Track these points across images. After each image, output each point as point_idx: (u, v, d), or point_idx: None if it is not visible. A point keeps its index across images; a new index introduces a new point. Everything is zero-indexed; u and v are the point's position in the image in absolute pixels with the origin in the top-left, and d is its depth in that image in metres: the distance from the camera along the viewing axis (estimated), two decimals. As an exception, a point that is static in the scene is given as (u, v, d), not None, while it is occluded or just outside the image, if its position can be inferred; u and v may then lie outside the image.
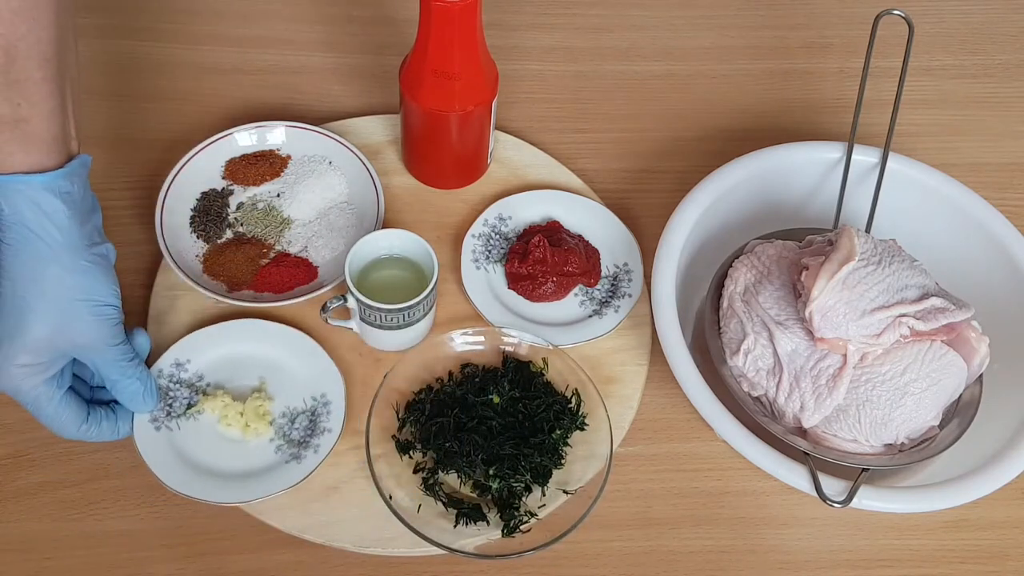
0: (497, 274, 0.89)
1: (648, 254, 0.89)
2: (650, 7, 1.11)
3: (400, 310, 0.80)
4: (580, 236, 0.91)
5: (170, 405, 0.81)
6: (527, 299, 0.88)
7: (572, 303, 0.88)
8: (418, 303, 0.80)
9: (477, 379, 0.84)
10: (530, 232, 0.90)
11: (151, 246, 0.89)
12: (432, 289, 0.81)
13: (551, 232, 0.90)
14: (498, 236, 0.91)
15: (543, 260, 0.87)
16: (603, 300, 0.88)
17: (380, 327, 0.82)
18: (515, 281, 0.88)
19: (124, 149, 0.96)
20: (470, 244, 0.90)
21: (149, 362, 0.83)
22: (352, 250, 0.82)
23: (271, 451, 0.80)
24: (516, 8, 1.10)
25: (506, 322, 0.86)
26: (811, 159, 0.90)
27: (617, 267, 0.90)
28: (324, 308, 0.82)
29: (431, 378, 0.84)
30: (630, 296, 0.88)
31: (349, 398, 0.82)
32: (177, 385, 0.82)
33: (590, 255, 0.90)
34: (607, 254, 0.91)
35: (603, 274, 0.90)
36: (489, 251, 0.90)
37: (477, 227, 0.90)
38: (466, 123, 0.88)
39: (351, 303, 0.82)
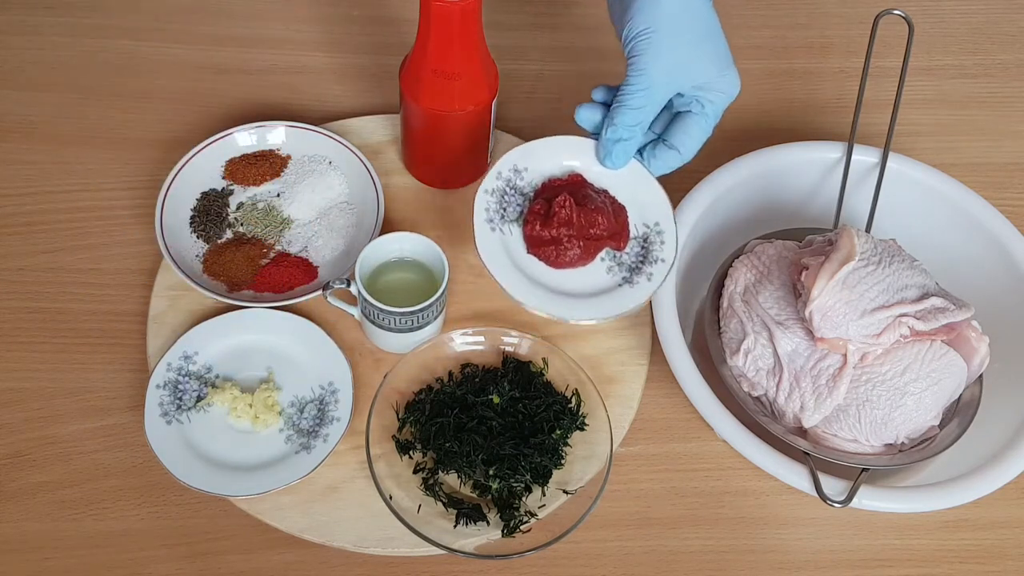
0: (514, 235, 0.79)
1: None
2: (650, 7, 1.11)
3: (411, 313, 0.80)
4: (605, 192, 0.81)
5: (180, 399, 0.81)
6: (550, 266, 0.78)
7: (599, 269, 0.79)
8: (429, 306, 0.80)
9: (477, 379, 0.84)
10: (550, 187, 0.80)
11: (151, 246, 0.89)
12: (443, 293, 0.81)
13: (575, 188, 0.79)
14: (513, 191, 0.80)
15: (568, 222, 0.77)
16: (633, 266, 0.79)
17: (389, 329, 0.82)
18: (536, 246, 0.78)
19: (124, 149, 0.97)
20: (483, 201, 0.79)
21: (155, 356, 0.83)
22: (362, 253, 0.82)
23: (281, 441, 0.81)
24: (516, 8, 1.10)
25: (527, 294, 0.77)
26: (811, 159, 0.90)
27: (647, 227, 0.81)
28: (327, 287, 0.82)
29: (431, 378, 0.84)
30: (663, 261, 0.79)
31: (356, 387, 0.82)
32: (186, 378, 0.82)
33: (617, 214, 0.80)
34: (636, 212, 0.81)
35: (632, 235, 0.80)
36: (504, 209, 0.80)
37: (490, 181, 0.80)
38: (466, 123, 0.88)
39: (358, 303, 0.82)
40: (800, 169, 0.90)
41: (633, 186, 0.81)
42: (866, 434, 0.77)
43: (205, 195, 0.92)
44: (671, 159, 0.80)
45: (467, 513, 0.78)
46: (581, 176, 0.81)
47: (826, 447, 0.77)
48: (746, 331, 0.80)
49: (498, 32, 1.05)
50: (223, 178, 0.93)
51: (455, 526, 0.77)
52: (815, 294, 0.75)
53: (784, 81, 1.07)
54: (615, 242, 0.79)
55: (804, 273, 0.77)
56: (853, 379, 0.76)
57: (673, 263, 0.79)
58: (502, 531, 0.77)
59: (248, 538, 0.79)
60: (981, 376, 0.80)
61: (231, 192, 0.93)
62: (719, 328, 0.83)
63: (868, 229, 0.89)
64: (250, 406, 0.81)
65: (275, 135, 0.95)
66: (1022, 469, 0.75)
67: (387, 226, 0.90)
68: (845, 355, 0.76)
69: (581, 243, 0.78)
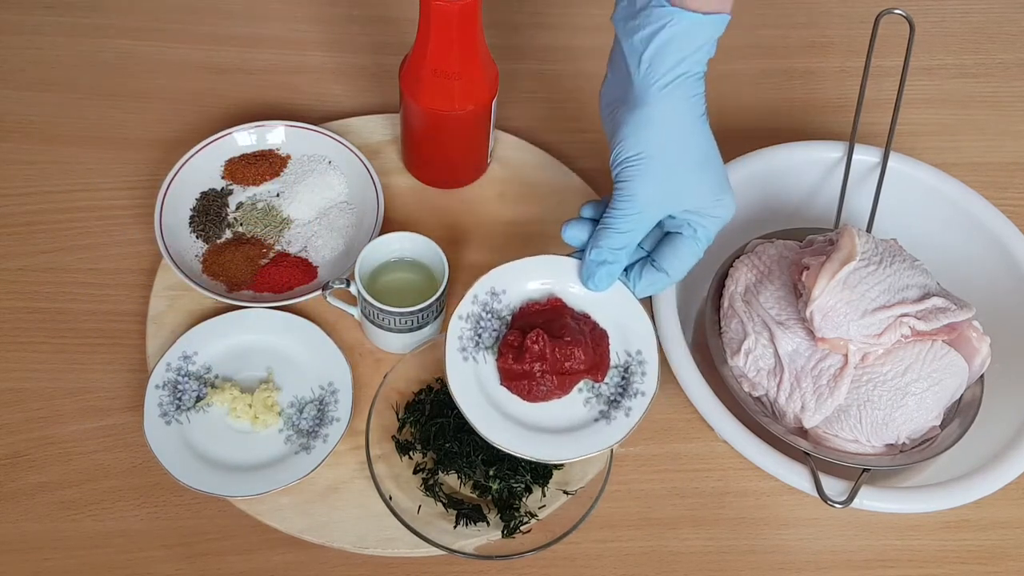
0: (488, 364, 0.75)
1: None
2: (650, 7, 1.11)
3: (411, 313, 0.80)
4: (586, 316, 0.77)
5: (179, 399, 0.81)
6: (523, 399, 0.75)
7: (576, 400, 0.75)
8: (429, 306, 0.80)
9: (477, 379, 0.83)
10: (528, 312, 0.76)
11: (150, 246, 0.89)
12: (443, 293, 0.81)
13: (551, 318, 0.76)
14: (490, 315, 0.76)
15: (541, 356, 0.74)
16: (611, 399, 0.75)
17: (389, 330, 0.82)
18: (509, 379, 0.75)
19: (123, 149, 0.96)
20: (456, 329, 0.75)
21: (154, 356, 0.83)
22: (362, 253, 0.82)
23: (280, 442, 0.81)
24: (516, 8, 1.10)
25: (498, 431, 0.73)
26: (812, 159, 0.90)
27: (629, 355, 0.76)
28: (326, 287, 0.82)
29: (431, 378, 0.84)
30: (643, 395, 0.75)
31: (356, 387, 0.82)
32: (185, 378, 0.82)
33: (597, 343, 0.76)
34: (618, 337, 0.77)
35: (612, 363, 0.76)
36: (479, 336, 0.76)
37: (465, 307, 0.76)
38: (466, 123, 0.88)
39: (358, 303, 0.82)
40: (801, 169, 0.90)
41: (616, 310, 0.77)
42: (867, 434, 0.76)
43: (204, 195, 0.92)
44: (658, 281, 0.76)
45: (467, 514, 0.78)
46: (561, 301, 0.77)
47: (827, 447, 0.77)
48: (747, 331, 0.79)
49: (498, 32, 1.05)
50: (222, 178, 0.93)
51: (455, 527, 0.77)
52: (816, 294, 0.74)
53: (784, 81, 1.07)
54: (593, 374, 0.75)
55: (805, 273, 0.77)
56: (854, 379, 0.76)
57: (653, 397, 0.75)
58: (502, 532, 0.77)
59: (247, 539, 0.79)
60: (982, 376, 0.80)
61: (230, 192, 0.93)
62: (720, 328, 0.82)
63: (869, 229, 0.89)
64: (250, 406, 0.81)
65: (275, 135, 0.94)
66: (1023, 470, 0.75)
67: (387, 226, 0.90)
68: (846, 355, 0.75)
69: (555, 378, 0.74)
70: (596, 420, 0.75)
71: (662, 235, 0.76)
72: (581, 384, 0.76)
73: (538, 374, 0.74)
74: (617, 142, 0.72)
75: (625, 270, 0.76)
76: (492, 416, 0.74)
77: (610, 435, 0.74)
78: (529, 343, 0.74)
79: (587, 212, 0.76)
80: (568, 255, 0.77)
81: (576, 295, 0.77)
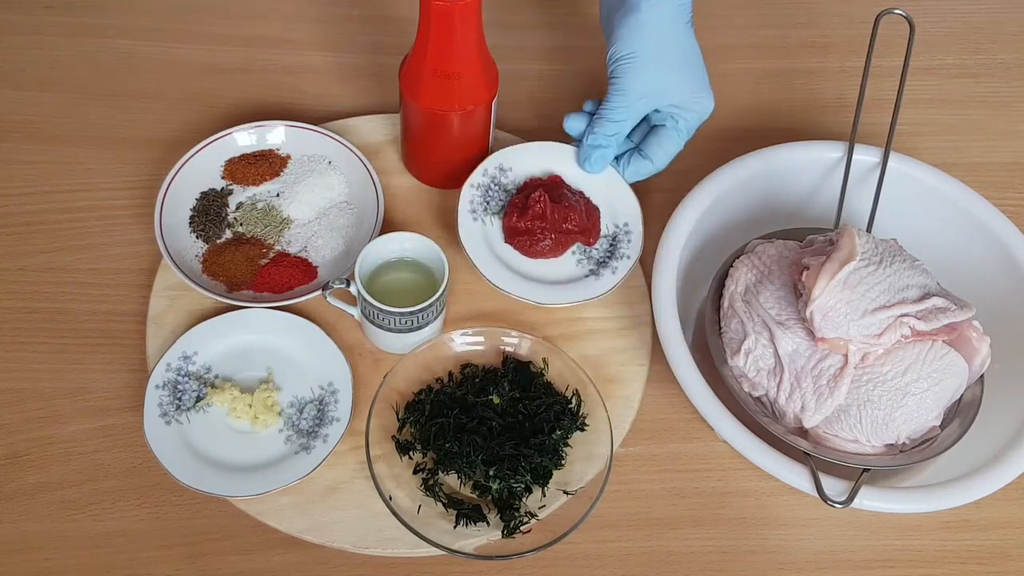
0: (494, 227, 0.88)
1: (648, 253, 0.88)
2: (650, 6, 1.11)
3: (411, 313, 0.80)
4: (581, 193, 0.89)
5: (179, 399, 0.81)
6: (523, 254, 0.87)
7: (569, 261, 0.87)
8: (429, 307, 0.80)
9: (477, 379, 0.83)
10: (530, 185, 0.89)
11: (150, 246, 0.89)
12: (443, 293, 0.81)
13: (552, 187, 0.88)
14: (497, 187, 0.89)
15: (542, 215, 0.85)
16: (601, 260, 0.87)
17: (389, 330, 0.82)
18: (512, 235, 0.87)
19: (123, 149, 0.96)
20: (468, 194, 0.88)
21: (154, 356, 0.83)
22: (362, 253, 0.82)
23: (280, 442, 0.81)
24: (516, 8, 1.10)
25: (501, 277, 0.85)
26: (812, 159, 0.90)
27: (617, 227, 0.89)
28: (326, 287, 0.82)
29: (431, 378, 0.84)
30: (628, 258, 0.87)
31: (356, 387, 0.82)
32: (185, 378, 0.82)
33: (590, 213, 0.88)
34: (607, 213, 0.89)
35: (602, 233, 0.89)
36: (488, 202, 0.89)
37: (476, 177, 0.89)
38: (466, 123, 0.88)
39: (358, 303, 0.82)
40: (801, 169, 0.90)
41: (607, 191, 0.89)
42: (867, 434, 0.76)
43: (204, 195, 0.92)
44: (644, 168, 0.88)
45: (467, 514, 0.78)
46: (560, 178, 0.89)
47: (827, 447, 0.77)
48: (747, 331, 0.79)
49: (498, 32, 1.05)
50: (222, 178, 0.93)
51: (455, 527, 0.77)
52: (816, 294, 0.74)
53: (784, 81, 1.07)
54: (585, 237, 0.87)
55: (805, 273, 0.77)
56: (854, 379, 0.76)
57: (637, 259, 0.87)
58: (502, 532, 0.77)
59: (247, 539, 0.79)
60: (982, 376, 0.80)
61: (230, 192, 0.93)
62: (720, 328, 0.83)
63: (869, 229, 0.89)
64: (250, 406, 0.81)
65: (275, 135, 0.94)
66: (1023, 470, 0.75)
67: (387, 226, 0.90)
68: (846, 355, 0.75)
69: (553, 236, 0.86)
70: (586, 276, 0.86)
71: (648, 129, 0.89)
72: (574, 247, 0.88)
73: (538, 231, 0.85)
74: (613, 43, 0.84)
75: (616, 159, 0.90)
76: (498, 267, 0.86)
77: (599, 287, 0.85)
78: (532, 202, 0.86)
79: (587, 107, 0.89)
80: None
81: (573, 177, 0.90)
